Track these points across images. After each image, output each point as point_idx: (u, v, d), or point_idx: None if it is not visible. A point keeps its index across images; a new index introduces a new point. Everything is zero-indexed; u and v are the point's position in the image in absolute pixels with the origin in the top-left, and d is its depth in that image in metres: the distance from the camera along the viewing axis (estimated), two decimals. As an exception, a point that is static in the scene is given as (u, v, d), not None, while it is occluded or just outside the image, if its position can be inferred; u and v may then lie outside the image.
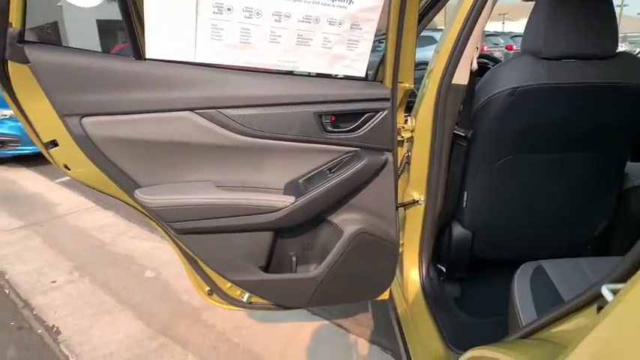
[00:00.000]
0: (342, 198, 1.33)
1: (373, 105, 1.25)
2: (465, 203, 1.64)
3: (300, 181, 1.32)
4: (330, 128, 1.26)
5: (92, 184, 1.25)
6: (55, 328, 2.42)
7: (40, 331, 2.42)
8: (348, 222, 1.38)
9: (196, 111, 1.16)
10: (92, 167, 1.17)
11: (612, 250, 1.72)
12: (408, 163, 1.58)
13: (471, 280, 1.83)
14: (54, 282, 2.90)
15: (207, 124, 1.17)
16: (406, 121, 1.53)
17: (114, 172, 1.17)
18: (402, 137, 1.52)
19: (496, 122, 1.44)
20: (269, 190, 1.31)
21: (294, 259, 1.41)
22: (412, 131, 1.52)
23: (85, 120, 1.10)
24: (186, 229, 1.24)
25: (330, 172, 1.30)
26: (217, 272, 1.35)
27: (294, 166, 1.32)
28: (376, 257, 1.45)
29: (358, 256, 1.42)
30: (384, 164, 1.32)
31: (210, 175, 1.27)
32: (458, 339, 1.35)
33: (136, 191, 1.21)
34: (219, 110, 1.17)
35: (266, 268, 1.38)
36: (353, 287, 1.48)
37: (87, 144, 1.12)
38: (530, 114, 1.40)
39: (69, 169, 1.21)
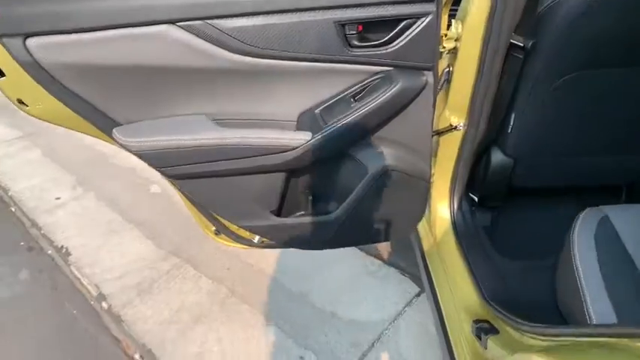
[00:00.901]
0: (368, 130, 1.08)
1: (413, 8, 0.95)
2: (510, 128, 1.38)
3: (317, 111, 1.06)
4: (355, 42, 0.98)
5: (59, 122, 1.01)
6: (64, 249, 2.36)
7: (50, 252, 2.37)
8: (373, 157, 1.15)
9: (178, 23, 0.87)
10: (54, 102, 0.92)
11: None
12: (448, 81, 1.29)
13: (504, 208, 1.64)
14: (58, 198, 2.80)
15: (193, 40, 0.89)
16: (449, 26, 1.21)
17: (82, 107, 0.93)
18: (444, 48, 1.21)
19: (565, 30, 1.12)
20: (278, 122, 1.07)
21: (310, 199, 1.21)
22: (457, 40, 1.20)
23: (31, 41, 0.83)
24: (180, 174, 1.03)
25: (355, 100, 1.04)
26: (222, 218, 1.16)
27: (310, 92, 1.05)
28: (404, 196, 1.24)
29: (384, 196, 1.22)
30: (422, 88, 1.05)
31: (203, 107, 1.02)
32: (495, 292, 1.20)
33: (114, 131, 0.97)
34: (209, 22, 0.88)
35: (278, 211, 1.19)
36: (376, 228, 1.31)
37: (39, 73, 0.86)
38: (609, 21, 1.08)
39: (26, 105, 0.96)
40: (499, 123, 1.39)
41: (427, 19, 0.97)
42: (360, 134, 1.08)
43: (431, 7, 0.95)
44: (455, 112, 1.32)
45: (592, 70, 1.22)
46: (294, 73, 0.99)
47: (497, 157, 1.47)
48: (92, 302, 2.04)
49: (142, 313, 1.94)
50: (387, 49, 0.99)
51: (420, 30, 0.98)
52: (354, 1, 0.91)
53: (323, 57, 0.97)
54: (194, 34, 0.88)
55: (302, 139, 1.02)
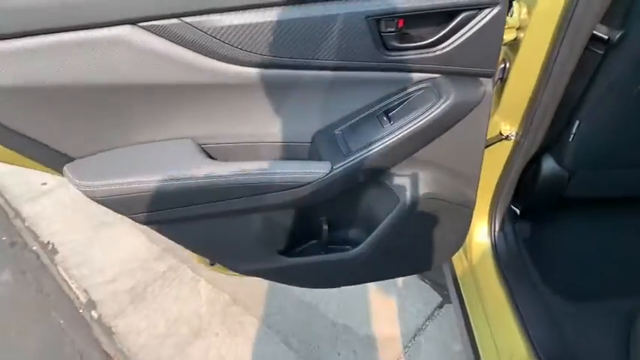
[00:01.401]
0: (405, 157, 0.83)
1: None
2: (572, 136, 1.12)
3: (337, 131, 0.81)
4: (393, 43, 0.71)
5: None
6: (50, 245, 2.16)
7: (34, 247, 2.17)
8: (407, 184, 0.91)
9: (141, 24, 0.61)
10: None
11: None
12: (502, 79, 1.01)
13: (552, 221, 1.41)
14: (44, 184, 2.57)
15: (164, 46, 0.62)
16: (509, 11, 0.93)
17: (17, 142, 0.68)
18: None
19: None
20: (286, 145, 0.82)
21: (326, 234, 0.98)
22: (519, 29, 0.92)
23: None
24: (160, 220, 0.79)
25: (388, 118, 0.78)
26: (216, 262, 0.94)
27: (329, 106, 0.80)
28: (441, 226, 1.01)
29: (416, 227, 0.99)
30: (479, 100, 0.79)
31: (187, 129, 0.77)
32: (549, 344, 0.98)
33: (65, 169, 0.73)
34: (186, 20, 0.61)
35: (287, 251, 0.96)
36: (404, 262, 1.08)
37: None
38: None
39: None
40: (559, 129, 1.13)
41: (494, 11, 0.70)
42: (395, 162, 0.83)
43: None
44: (507, 118, 1.06)
45: None
46: (308, 84, 0.73)
47: (548, 166, 1.22)
48: (81, 310, 1.85)
49: (136, 325, 1.76)
50: (435, 51, 0.73)
51: (483, 25, 0.71)
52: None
53: (350, 64, 0.70)
54: (165, 37, 0.62)
55: (319, 172, 0.77)
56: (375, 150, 0.77)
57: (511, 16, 0.91)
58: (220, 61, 0.66)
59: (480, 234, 1.25)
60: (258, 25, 0.64)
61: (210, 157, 0.79)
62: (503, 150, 1.12)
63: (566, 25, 0.85)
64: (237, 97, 0.73)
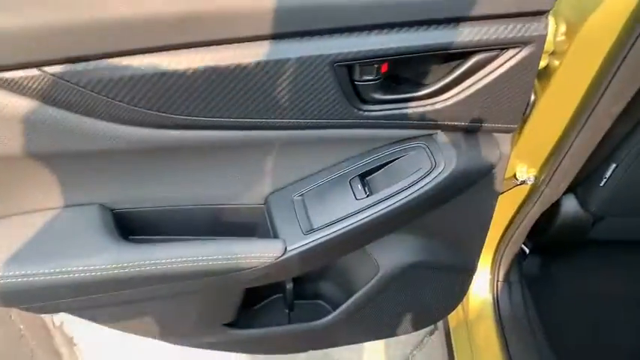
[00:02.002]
0: (388, 232, 0.64)
1: (509, 30, 0.47)
2: (604, 181, 0.91)
3: (296, 197, 0.61)
4: (373, 95, 0.50)
5: None
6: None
7: None
8: (390, 251, 0.72)
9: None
10: None
11: None
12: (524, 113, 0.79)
13: (565, 261, 1.22)
14: None
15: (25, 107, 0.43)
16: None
17: None
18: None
19: None
20: (230, 207, 0.62)
21: (291, 299, 0.79)
22: (552, 54, 0.70)
23: None
24: (71, 308, 0.62)
25: (366, 188, 0.58)
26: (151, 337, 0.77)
27: (285, 162, 0.60)
28: (433, 293, 0.83)
29: (404, 294, 0.80)
30: (494, 165, 0.58)
31: (93, 194, 0.57)
32: None
33: None
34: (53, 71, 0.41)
35: (237, 322, 0.78)
36: (386, 327, 0.90)
37: None
38: None
39: None
40: (585, 172, 0.92)
41: (527, 50, 0.48)
42: (372, 240, 0.63)
43: (539, 28, 0.46)
44: (526, 159, 0.85)
45: None
46: (254, 143, 0.53)
47: (570, 209, 1.02)
48: (43, 314, 1.71)
49: (102, 336, 1.63)
50: (435, 102, 0.52)
51: (509, 69, 0.50)
52: (379, 18, 0.43)
53: (311, 123, 0.50)
54: (27, 95, 0.42)
55: (268, 255, 0.58)
56: (344, 229, 0.57)
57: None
58: (132, 125, 0.46)
59: (481, 285, 1.06)
60: (173, 75, 0.43)
61: (129, 225, 0.60)
62: (517, 194, 0.91)
63: (623, 55, 0.63)
64: (155, 159, 0.53)
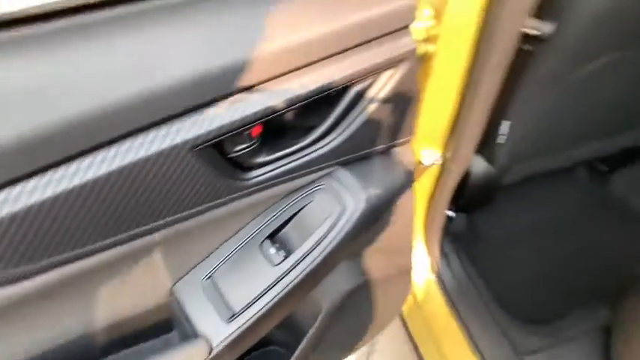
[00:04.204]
0: (317, 282, 0.58)
1: (380, 53, 0.42)
2: (504, 138, 0.93)
3: (205, 279, 0.53)
4: (253, 160, 0.43)
5: None
6: None
7: None
8: (327, 288, 0.67)
9: None
10: None
11: None
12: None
13: (490, 211, 1.27)
14: None
15: None
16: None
17: None
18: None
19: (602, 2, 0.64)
20: (125, 318, 0.52)
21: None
22: (426, 41, 0.66)
23: None
24: None
25: (279, 248, 0.52)
26: None
27: (180, 255, 0.51)
28: (378, 304, 0.80)
29: (351, 319, 0.77)
30: (403, 184, 0.55)
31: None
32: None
33: None
34: None
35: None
36: (345, 347, 0.87)
37: None
38: None
39: None
40: (485, 135, 0.93)
41: (403, 68, 0.44)
42: (306, 294, 0.57)
43: (407, 44, 0.42)
44: (426, 142, 0.83)
45: (619, 52, 0.78)
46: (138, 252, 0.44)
47: (479, 169, 1.04)
48: None
49: None
50: (324, 145, 0.46)
51: (393, 88, 0.45)
52: (231, 87, 0.35)
53: (187, 214, 0.42)
54: None
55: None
56: (270, 303, 0.51)
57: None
58: None
59: (421, 267, 1.06)
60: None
61: None
62: (429, 176, 0.90)
63: (490, 28, 0.61)
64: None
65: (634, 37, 0.79)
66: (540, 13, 0.67)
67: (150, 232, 0.41)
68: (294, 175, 0.47)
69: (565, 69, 0.77)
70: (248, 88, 0.38)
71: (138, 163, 0.35)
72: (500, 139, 0.95)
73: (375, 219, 0.55)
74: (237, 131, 0.38)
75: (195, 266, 0.52)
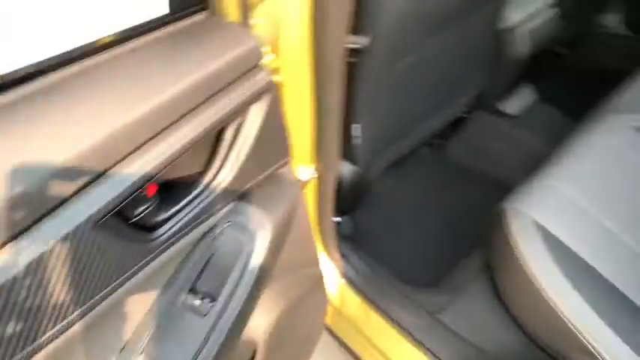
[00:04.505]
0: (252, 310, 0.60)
1: (238, 96, 0.47)
2: (359, 139, 1.05)
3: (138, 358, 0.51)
4: (155, 218, 0.45)
5: None
6: None
7: None
8: (253, 325, 0.68)
9: None
10: None
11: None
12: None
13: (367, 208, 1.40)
14: None
15: None
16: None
17: None
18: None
19: (404, 7, 0.79)
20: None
21: None
22: (275, 72, 0.74)
23: None
24: None
25: (203, 296, 0.53)
26: None
27: (103, 339, 0.48)
28: (306, 321, 0.84)
29: (285, 345, 0.79)
30: (296, 199, 0.60)
31: None
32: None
33: None
34: None
35: None
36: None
37: None
38: None
39: None
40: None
41: (266, 99, 0.50)
42: (243, 329, 0.58)
43: (263, 78, 0.48)
44: (299, 158, 0.90)
45: (432, 37, 0.97)
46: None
47: (348, 171, 1.15)
48: None
49: None
50: (217, 186, 0.49)
51: (263, 120, 0.50)
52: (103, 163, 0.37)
53: (103, 294, 0.41)
54: None
55: None
56: (212, 352, 0.51)
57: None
58: None
59: (328, 275, 1.12)
60: None
61: None
62: (309, 190, 0.98)
63: (321, 50, 0.71)
64: None
65: (432, 30, 0.97)
66: (355, 29, 0.80)
67: (70, 324, 0.38)
68: (199, 221, 0.48)
69: (385, 70, 0.92)
70: (130, 153, 0.39)
71: (45, 254, 0.34)
72: (356, 141, 1.07)
73: (282, 240, 0.59)
74: (132, 196, 0.39)
75: (125, 346, 0.49)
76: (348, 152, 1.12)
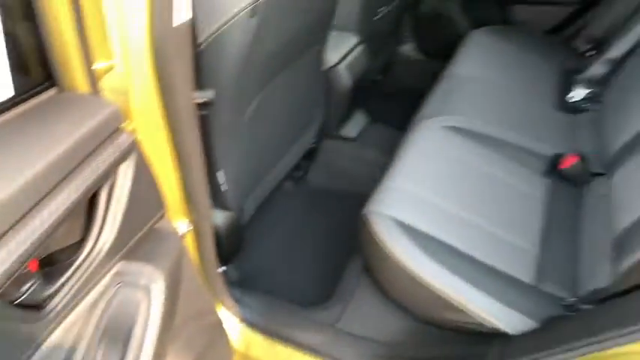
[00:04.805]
0: None
1: (106, 161, 0.50)
2: (224, 185, 1.11)
3: None
4: (43, 293, 0.45)
5: None
6: None
7: None
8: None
9: None
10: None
11: None
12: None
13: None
14: None
15: None
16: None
17: None
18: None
19: (239, 59, 0.89)
20: None
21: None
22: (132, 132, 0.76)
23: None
24: None
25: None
26: None
27: None
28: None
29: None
30: (179, 252, 0.63)
31: None
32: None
33: None
34: None
35: None
36: None
37: None
38: (277, 31, 0.93)
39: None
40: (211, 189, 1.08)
41: (132, 159, 0.53)
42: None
43: (125, 140, 0.52)
44: (172, 212, 0.91)
45: (270, 83, 1.08)
46: None
47: (221, 219, 1.18)
48: None
49: None
50: (97, 254, 0.50)
51: (132, 179, 0.53)
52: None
53: None
54: None
55: None
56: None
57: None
58: None
59: (227, 322, 1.12)
60: None
61: None
62: (191, 244, 0.99)
63: (173, 109, 0.75)
64: None
65: (267, 76, 1.09)
66: (200, 85, 0.87)
67: None
68: (89, 287, 0.48)
69: (235, 117, 1.00)
70: (4, 234, 0.39)
71: None
72: (224, 187, 1.12)
73: (176, 292, 0.60)
74: (14, 276, 0.38)
75: None
76: (218, 200, 1.16)
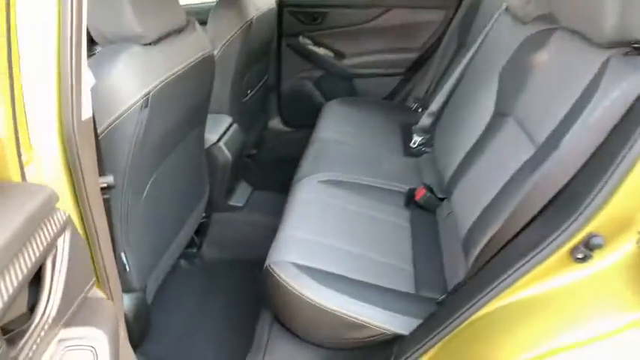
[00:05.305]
0: None
1: (41, 242, 0.57)
2: (127, 266, 1.14)
3: None
4: None
5: None
6: None
7: None
8: None
9: None
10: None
11: None
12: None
13: None
14: None
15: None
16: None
17: None
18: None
19: (134, 145, 1.00)
20: None
21: None
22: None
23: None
24: None
25: None
26: None
27: None
28: None
29: None
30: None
31: None
32: None
33: None
34: None
35: None
36: None
37: None
38: (168, 115, 1.06)
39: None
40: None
41: (68, 232, 0.60)
42: None
43: (61, 215, 0.59)
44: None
45: (162, 166, 1.18)
46: None
47: (132, 301, 1.19)
48: None
49: None
50: (47, 320, 0.56)
51: (65, 254, 0.60)
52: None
53: None
54: None
55: None
56: None
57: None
58: None
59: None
60: None
61: None
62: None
63: (80, 191, 0.79)
64: None
65: (157, 160, 1.18)
66: (102, 171, 0.94)
67: None
68: (40, 352, 0.51)
69: (134, 198, 1.07)
70: None
71: None
72: (127, 268, 1.14)
73: (117, 353, 0.64)
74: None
75: None
76: (123, 281, 1.16)
